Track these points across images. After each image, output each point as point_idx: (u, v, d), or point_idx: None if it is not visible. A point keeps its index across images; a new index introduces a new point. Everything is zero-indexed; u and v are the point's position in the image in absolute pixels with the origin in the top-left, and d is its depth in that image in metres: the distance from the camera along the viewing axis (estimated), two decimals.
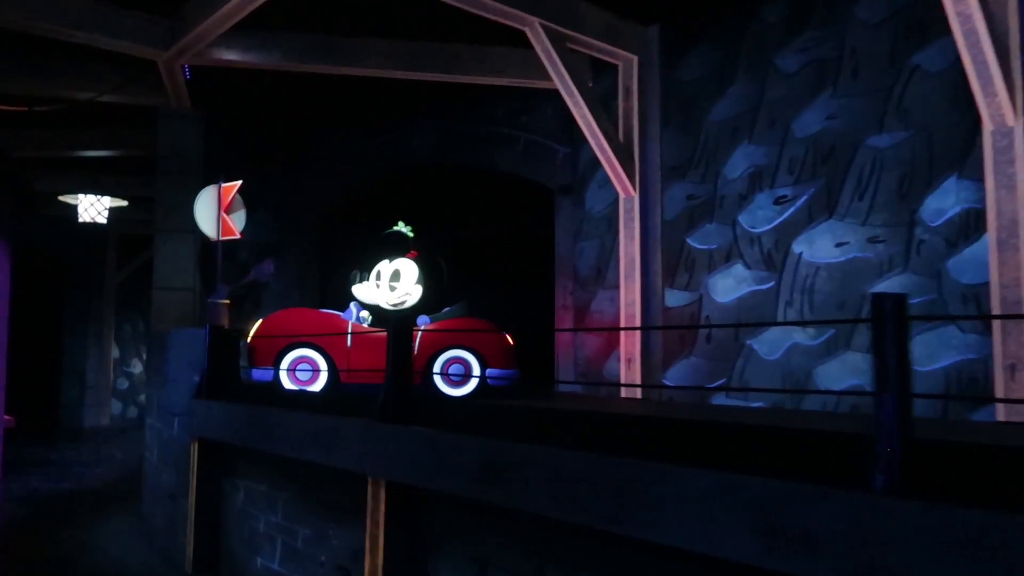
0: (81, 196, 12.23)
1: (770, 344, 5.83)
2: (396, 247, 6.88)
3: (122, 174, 11.98)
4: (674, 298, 6.66)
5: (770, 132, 5.99)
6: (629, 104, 6.92)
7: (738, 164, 6.20)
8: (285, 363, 6.28)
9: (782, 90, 5.93)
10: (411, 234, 7.14)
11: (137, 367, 19.41)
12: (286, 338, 6.23)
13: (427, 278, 6.59)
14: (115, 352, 18.21)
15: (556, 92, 8.42)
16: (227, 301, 7.80)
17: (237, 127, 9.28)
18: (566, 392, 7.71)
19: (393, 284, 6.59)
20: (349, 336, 6.38)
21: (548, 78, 7.64)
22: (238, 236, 7.69)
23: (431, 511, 3.87)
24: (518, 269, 9.06)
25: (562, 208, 8.47)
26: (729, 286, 6.19)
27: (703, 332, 6.36)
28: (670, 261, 6.72)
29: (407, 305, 6.65)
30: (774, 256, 5.92)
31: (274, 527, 5.01)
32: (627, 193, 6.89)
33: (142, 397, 19.77)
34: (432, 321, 6.55)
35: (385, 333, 6.57)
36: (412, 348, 6.30)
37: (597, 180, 7.59)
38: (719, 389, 6.08)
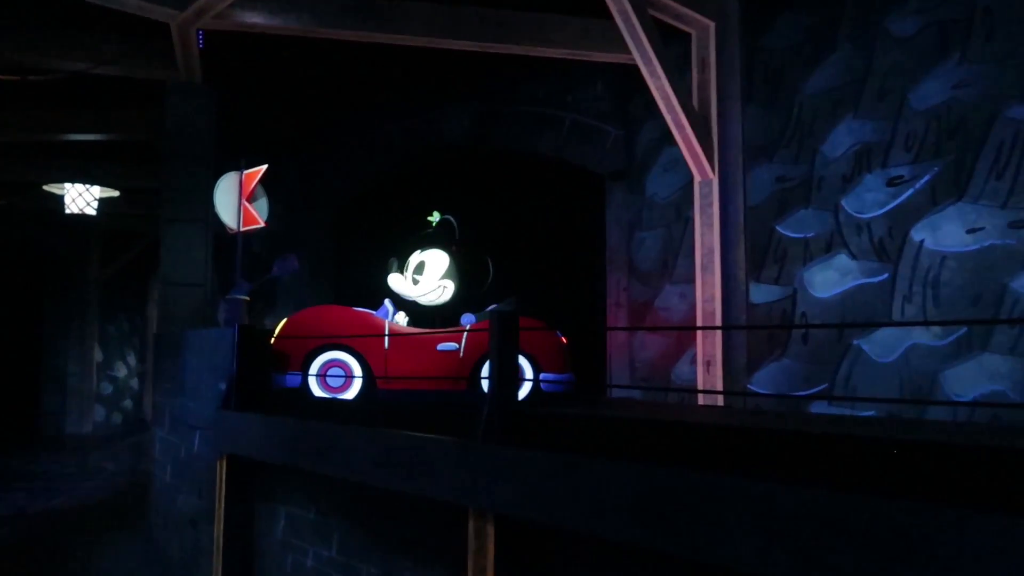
0: (68, 185, 11.37)
1: (883, 345, 5.21)
2: (436, 237, 6.22)
3: (115, 161, 11.14)
4: (761, 293, 6.01)
5: (881, 105, 5.37)
6: (705, 77, 6.26)
7: (840, 141, 5.57)
8: (314, 367, 5.61)
9: (895, 57, 5.31)
10: (451, 224, 6.50)
11: (122, 371, 18.50)
12: (315, 339, 5.55)
13: (465, 273, 5.93)
14: (98, 355, 17.30)
15: (607, 68, 7.77)
16: (248, 298, 7.09)
17: (250, 105, 8.52)
18: (622, 398, 7.06)
19: (416, 277, 5.94)
20: (387, 337, 5.70)
21: (607, 49, 6.98)
22: (262, 224, 6.96)
23: (560, 556, 3.19)
24: (562, 263, 8.38)
25: (614, 195, 7.81)
26: (831, 279, 5.56)
27: (798, 332, 5.73)
28: (755, 252, 6.08)
29: (439, 301, 5.99)
30: (887, 245, 5.29)
31: (327, 563, 4.29)
32: (704, 176, 6.22)
33: (127, 402, 18.85)
34: (478, 320, 5.90)
35: (427, 334, 5.99)
36: (459, 350, 5.71)
37: (661, 163, 6.93)
38: (831, 397, 5.44)
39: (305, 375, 5.62)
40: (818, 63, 5.72)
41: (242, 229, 7.09)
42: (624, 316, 7.53)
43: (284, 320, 6.02)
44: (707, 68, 6.23)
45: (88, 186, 11.46)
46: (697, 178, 6.27)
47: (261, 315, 8.75)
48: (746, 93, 6.16)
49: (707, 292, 6.15)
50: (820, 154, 5.68)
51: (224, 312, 7.07)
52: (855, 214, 5.45)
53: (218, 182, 7.03)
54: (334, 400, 5.56)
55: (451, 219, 6.24)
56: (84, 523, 7.99)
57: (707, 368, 6.11)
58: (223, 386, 5.29)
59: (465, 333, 5.84)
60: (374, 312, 6.19)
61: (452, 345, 5.83)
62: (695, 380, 6.44)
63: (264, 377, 5.53)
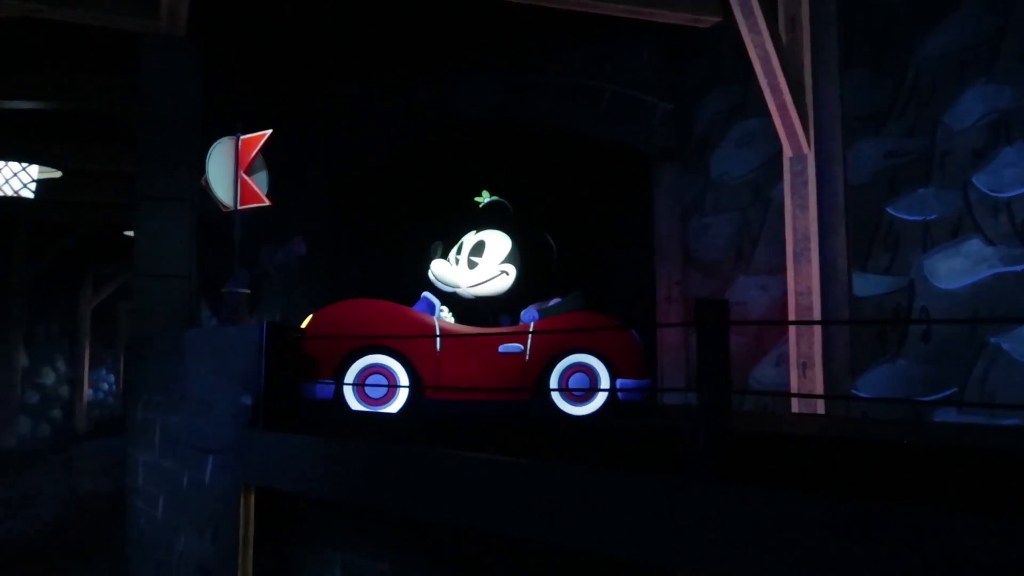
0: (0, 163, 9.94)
1: None
2: (492, 217, 5.36)
3: (61, 136, 9.76)
4: (867, 285, 5.34)
5: (1022, 67, 4.77)
6: (795, 37, 5.58)
7: (971, 110, 4.93)
8: (351, 375, 4.68)
9: None
10: (505, 206, 5.66)
11: (50, 377, 16.90)
12: (352, 340, 4.63)
13: (528, 257, 5.11)
14: (24, 360, 15.66)
15: (650, 34, 6.99)
16: (248, 291, 6.05)
17: (239, 66, 7.43)
18: (677, 404, 6.32)
19: (473, 259, 5.09)
20: (438, 338, 4.82)
21: (673, 6, 6.22)
22: (266, 203, 5.94)
23: None
24: (602, 254, 7.60)
25: (663, 177, 7.07)
26: (959, 268, 4.92)
27: (916, 329, 5.08)
28: (860, 237, 5.42)
29: (498, 290, 5.14)
30: None
31: None
32: (797, 151, 5.54)
33: (56, 412, 17.19)
34: (542, 316, 5.07)
35: (487, 333, 5.12)
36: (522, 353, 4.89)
37: (733, 138, 6.21)
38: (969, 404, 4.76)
39: (339, 384, 4.68)
40: (938, 20, 5.09)
41: (240, 207, 6.05)
42: (677, 312, 6.79)
43: (309, 317, 5.06)
44: (799, 27, 5.55)
45: (25, 165, 10.07)
46: (788, 153, 5.58)
47: (247, 314, 7.64)
48: (844, 56, 5.51)
49: (801, 284, 5.47)
50: (943, 125, 5.04)
51: (224, 308, 6.02)
52: (991, 193, 4.83)
53: (210, 150, 5.98)
54: (402, 416, 4.63)
55: (504, 201, 5.39)
56: (33, 565, 6.74)
57: (803, 371, 5.42)
58: (248, 399, 4.27)
59: (530, 333, 5.01)
60: (415, 308, 5.30)
61: (516, 347, 4.97)
62: (781, 383, 5.76)
63: (298, 388, 4.55)
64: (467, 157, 7.81)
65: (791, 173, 5.53)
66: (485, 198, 6.12)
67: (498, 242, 5.23)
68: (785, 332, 5.70)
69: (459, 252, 5.38)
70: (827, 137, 5.46)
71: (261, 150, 5.99)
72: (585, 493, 2.66)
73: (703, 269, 6.39)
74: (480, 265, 5.23)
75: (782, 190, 5.77)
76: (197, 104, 6.70)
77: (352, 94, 8.02)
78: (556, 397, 5.08)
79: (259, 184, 5.99)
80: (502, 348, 4.98)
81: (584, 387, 5.12)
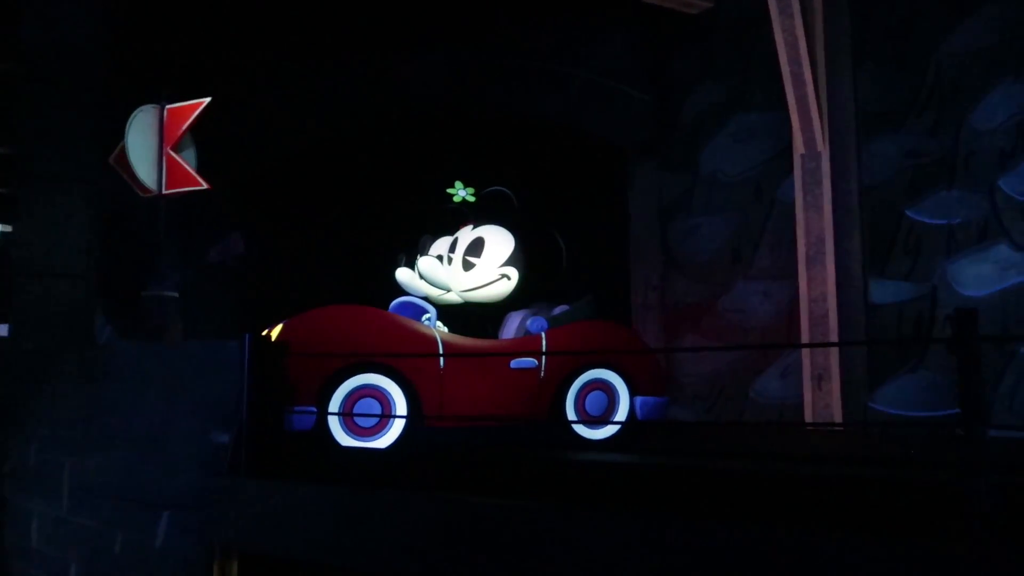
0: None
1: None
2: (492, 210, 4.73)
3: None
4: (886, 291, 5.12)
5: None
6: (808, 29, 5.29)
7: (996, 110, 4.81)
8: (336, 400, 3.90)
9: None
10: (472, 199, 5.07)
11: None
12: (339, 358, 3.88)
13: (534, 260, 4.56)
14: None
15: (628, 18, 6.54)
16: (177, 295, 5.05)
17: (162, 21, 6.26)
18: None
19: (470, 259, 4.47)
20: (441, 353, 4.14)
21: None
22: (203, 186, 4.99)
23: None
24: (569, 255, 7.06)
25: (640, 173, 6.64)
26: (986, 274, 4.78)
27: (940, 337, 4.91)
28: (877, 241, 5.19)
29: (496, 296, 4.56)
30: None
31: None
32: (811, 147, 5.25)
33: None
34: (551, 326, 4.51)
35: (498, 344, 4.46)
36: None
37: (729, 133, 5.86)
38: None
39: (323, 411, 3.86)
40: (962, 17, 4.96)
41: (165, 191, 5.05)
42: (654, 319, 6.38)
43: (278, 327, 4.19)
44: (812, 13, 5.27)
45: None
46: (800, 150, 5.29)
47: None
48: (859, 50, 5.30)
49: (816, 290, 5.19)
50: (967, 125, 4.91)
51: (146, 316, 4.97)
52: (1019, 196, 4.73)
53: (130, 120, 4.97)
54: (397, 450, 3.87)
55: (506, 191, 4.75)
56: None
57: (819, 384, 5.13)
58: (223, 437, 3.35)
59: (544, 346, 4.39)
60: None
61: (529, 362, 4.35)
62: (786, 397, 5.46)
63: (282, 420, 3.67)
64: (419, 144, 7.07)
65: (804, 171, 5.25)
66: (459, 190, 5.46)
67: (499, 240, 4.59)
68: (790, 341, 5.41)
69: (452, 249, 4.70)
70: (841, 134, 5.23)
71: (194, 124, 5.03)
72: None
73: (690, 273, 6.01)
74: (478, 266, 4.57)
75: (789, 189, 5.49)
76: (98, 63, 5.56)
77: (282, 72, 7.05)
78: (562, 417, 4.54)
79: (189, 163, 5.03)
80: (515, 363, 4.34)
81: (602, 407, 4.61)
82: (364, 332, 4.05)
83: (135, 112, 4.95)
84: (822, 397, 5.07)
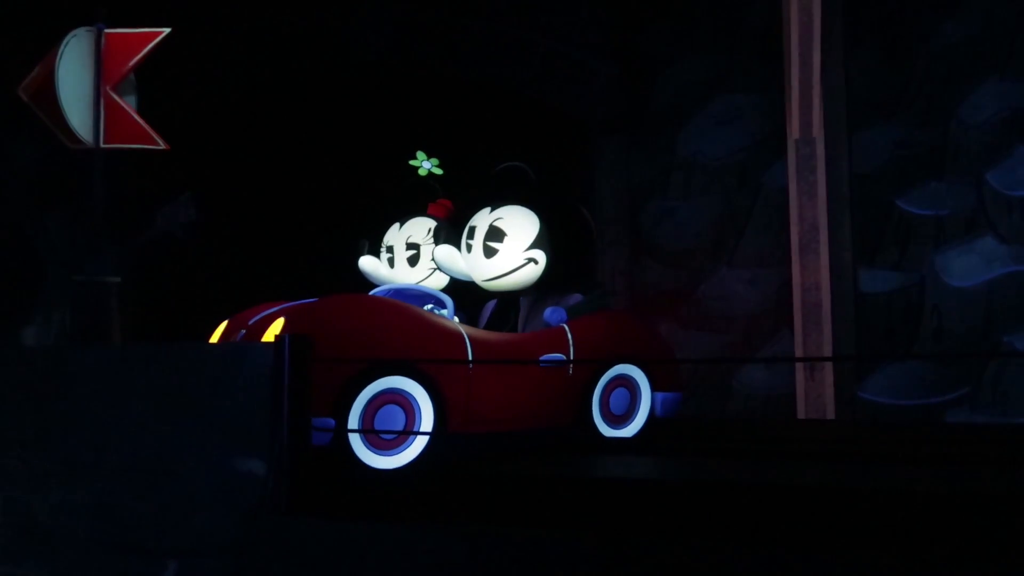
0: None
1: None
2: (510, 188, 4.49)
3: None
4: (875, 280, 5.35)
5: None
6: (803, 15, 5.37)
7: (984, 105, 5.15)
8: (356, 410, 3.53)
9: None
10: (439, 171, 4.85)
11: None
12: (362, 361, 3.54)
13: (562, 241, 4.40)
14: None
15: None
16: (118, 279, 4.40)
17: None
18: None
19: (492, 245, 4.27)
20: (469, 350, 3.87)
21: None
22: (160, 145, 4.36)
23: None
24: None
25: (607, 153, 6.56)
26: (972, 265, 5.11)
27: (928, 326, 5.19)
28: (867, 230, 5.39)
29: (522, 284, 4.37)
30: None
31: None
32: (806, 133, 5.37)
33: None
34: (571, 316, 4.36)
35: (524, 339, 4.22)
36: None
37: (713, 114, 5.91)
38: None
39: (343, 423, 3.47)
40: (950, 11, 5.23)
41: (104, 144, 4.33)
42: (620, 306, 6.35)
43: (279, 322, 3.73)
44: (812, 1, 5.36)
45: None
46: (795, 135, 5.41)
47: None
48: (852, 38, 5.45)
49: (808, 278, 5.35)
50: (957, 117, 5.21)
51: (80, 305, 4.30)
52: (1004, 191, 5.07)
53: (62, 47, 4.20)
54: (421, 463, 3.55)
55: (523, 166, 4.51)
56: None
57: (810, 373, 5.29)
58: (257, 465, 2.84)
59: (569, 339, 4.21)
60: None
61: (558, 357, 4.15)
62: (772, 387, 5.60)
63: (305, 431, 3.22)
64: (364, 106, 6.60)
65: (798, 157, 5.38)
66: (421, 160, 5.15)
67: (522, 222, 4.36)
68: (778, 332, 5.55)
69: (471, 236, 4.41)
70: (833, 122, 5.39)
71: (144, 60, 4.31)
72: None
73: (666, 259, 6.03)
74: (501, 252, 4.31)
75: (776, 175, 5.64)
76: None
77: (199, 9, 6.32)
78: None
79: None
80: (545, 359, 4.12)
81: (625, 405, 4.50)
82: (383, 328, 3.68)
83: (68, 37, 4.17)
84: (814, 387, 5.23)
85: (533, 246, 4.30)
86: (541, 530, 2.74)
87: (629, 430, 4.41)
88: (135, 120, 4.31)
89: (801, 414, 5.33)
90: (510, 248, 4.30)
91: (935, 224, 5.27)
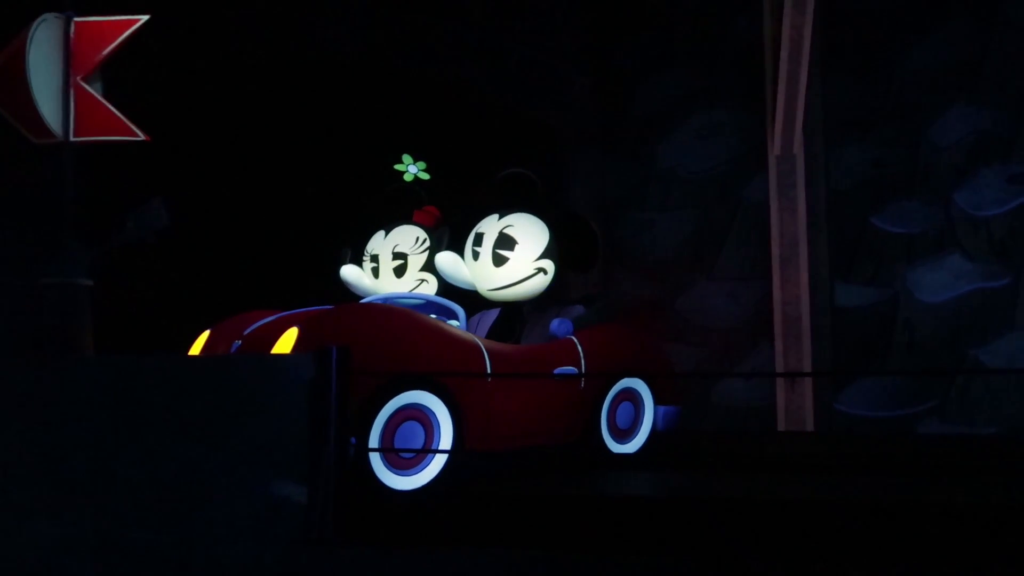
0: None
1: (1009, 355, 5.26)
2: (516, 196, 4.48)
3: None
4: (850, 295, 5.61)
5: (1000, 94, 5.42)
6: (794, 32, 5.55)
7: (952, 128, 5.50)
8: (377, 428, 3.44)
9: (1015, 44, 5.41)
10: (425, 176, 4.83)
11: None
12: (385, 375, 3.47)
13: (570, 252, 4.44)
14: None
15: None
16: (90, 282, 4.09)
17: None
18: None
19: (501, 252, 4.27)
20: (488, 362, 3.84)
21: None
22: (138, 136, 4.09)
23: None
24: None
25: (582, 162, 6.61)
26: (942, 281, 5.44)
27: (901, 340, 5.48)
28: (843, 246, 5.65)
29: (530, 294, 4.38)
30: (1009, 246, 5.37)
31: None
32: (786, 150, 5.58)
33: None
34: (578, 327, 4.40)
35: (536, 351, 4.19)
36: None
37: (693, 128, 6.09)
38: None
39: (364, 440, 3.35)
40: (919, 38, 5.57)
41: (74, 137, 4.04)
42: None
43: (291, 331, 3.56)
44: (800, 14, 5.56)
45: None
46: (775, 151, 5.64)
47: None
48: (827, 58, 5.71)
49: (789, 292, 5.59)
50: (928, 139, 5.54)
51: (48, 311, 3.97)
52: (971, 211, 5.43)
53: (32, 30, 3.90)
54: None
55: (529, 174, 4.50)
56: None
57: (793, 386, 5.49)
58: (297, 491, 2.65)
59: (580, 352, 4.21)
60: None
61: (571, 370, 4.15)
62: (751, 400, 5.78)
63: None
64: (339, 107, 6.42)
65: (778, 173, 5.59)
66: (408, 164, 5.07)
67: (532, 231, 4.35)
68: (757, 345, 5.74)
69: (478, 243, 4.34)
70: (811, 140, 5.63)
71: (119, 48, 4.05)
72: None
73: (642, 271, 6.14)
74: (511, 261, 4.27)
75: (756, 189, 5.85)
76: None
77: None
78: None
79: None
80: (558, 371, 4.11)
81: (630, 419, 4.52)
82: (405, 339, 3.58)
83: (39, 20, 3.86)
84: (795, 400, 5.44)
85: (543, 256, 4.30)
86: (593, 554, 2.74)
87: (633, 445, 4.46)
88: (109, 110, 4.04)
89: (781, 426, 5.54)
90: (521, 257, 4.28)
91: (907, 242, 5.61)
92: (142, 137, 4.16)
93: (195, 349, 4.16)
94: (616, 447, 4.45)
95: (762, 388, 5.69)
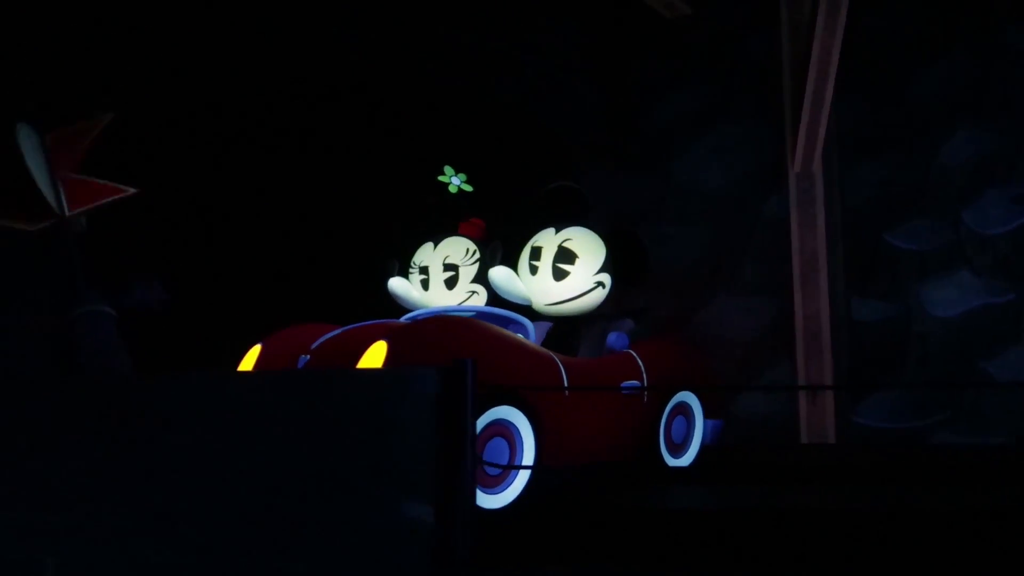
0: None
1: (1017, 368, 5.60)
2: (566, 210, 4.58)
3: None
4: (866, 309, 5.89)
5: (1003, 117, 5.81)
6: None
7: (960, 150, 5.86)
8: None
9: (1018, 71, 5.82)
10: (468, 188, 4.92)
11: None
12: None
13: (624, 266, 4.57)
14: None
15: (582, 12, 6.62)
16: (114, 312, 4.09)
17: None
18: None
19: (562, 267, 4.38)
20: (565, 377, 3.92)
21: None
22: (130, 191, 4.25)
23: None
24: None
25: (595, 176, 6.72)
26: (952, 297, 5.77)
27: (915, 353, 5.78)
28: (859, 261, 5.92)
29: (587, 309, 4.49)
30: (1013, 264, 5.73)
31: None
32: (806, 167, 5.83)
33: None
34: (632, 342, 4.54)
35: (601, 363, 4.25)
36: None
37: (710, 144, 6.36)
38: None
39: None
40: (931, 60, 5.93)
41: (69, 213, 4.21)
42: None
43: (379, 344, 3.52)
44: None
45: None
46: (796, 169, 5.89)
47: None
48: (841, 77, 6.00)
49: (810, 307, 5.84)
50: (938, 160, 5.88)
51: (90, 335, 3.85)
52: (977, 229, 5.79)
53: (18, 132, 4.09)
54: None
55: (579, 188, 4.60)
56: None
57: (813, 399, 5.71)
58: (424, 510, 2.59)
59: (641, 366, 4.31)
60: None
61: (635, 383, 4.24)
62: (772, 413, 5.97)
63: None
64: (355, 120, 6.36)
65: (799, 190, 5.84)
66: (450, 176, 5.10)
67: (591, 245, 4.45)
68: (777, 358, 5.95)
69: (535, 257, 4.40)
70: (829, 157, 5.90)
71: (91, 144, 4.27)
72: None
73: (657, 285, 6.24)
74: (572, 275, 4.34)
75: (775, 205, 6.11)
76: None
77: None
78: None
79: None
80: (625, 385, 4.18)
81: (683, 433, 4.63)
82: (489, 353, 3.60)
83: (20, 128, 4.00)
84: (816, 412, 5.66)
85: (601, 270, 4.39)
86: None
87: (687, 458, 4.58)
88: (94, 182, 4.42)
89: (804, 439, 5.76)
90: (581, 271, 4.37)
91: (919, 258, 5.95)
92: (131, 191, 4.36)
93: (246, 364, 4.06)
94: (671, 460, 4.56)
95: (782, 401, 5.91)
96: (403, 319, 4.56)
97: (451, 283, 4.81)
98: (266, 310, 4.76)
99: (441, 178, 5.06)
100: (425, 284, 4.82)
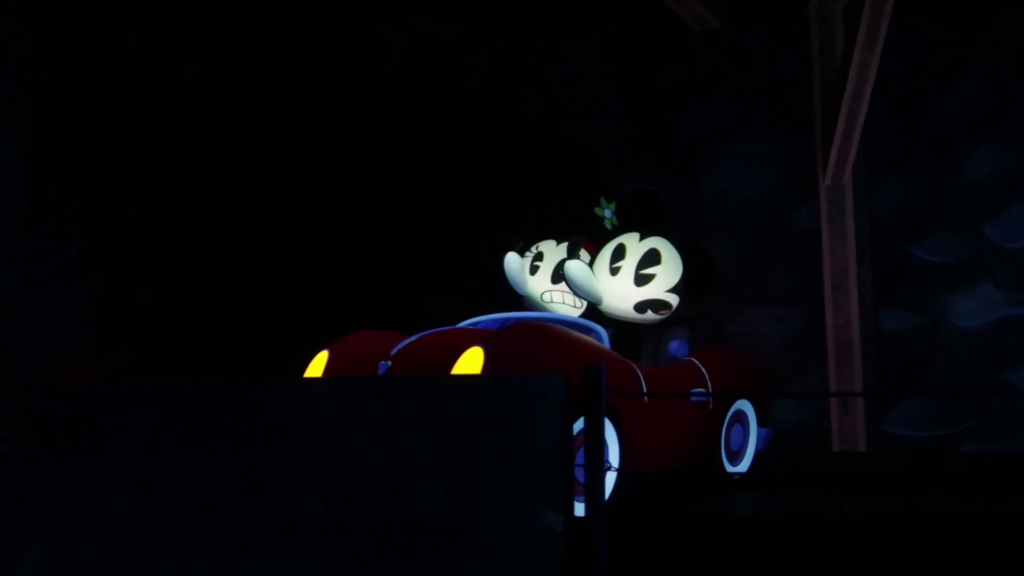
0: None
1: None
2: (648, 218, 4.69)
3: None
4: (893, 320, 6.12)
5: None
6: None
7: (982, 165, 6.15)
8: None
9: None
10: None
11: None
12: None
13: (696, 281, 4.70)
14: None
15: (610, 17, 6.75)
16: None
17: None
18: None
19: (645, 272, 4.48)
20: (644, 384, 4.05)
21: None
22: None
23: None
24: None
25: (623, 187, 6.84)
26: (975, 309, 6.04)
27: (941, 363, 6.02)
28: (885, 274, 6.15)
29: (655, 318, 4.62)
30: None
31: None
32: (837, 180, 6.05)
33: None
34: (692, 350, 4.69)
35: (667, 371, 4.37)
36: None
37: (740, 156, 6.56)
38: None
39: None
40: (954, 77, 6.20)
41: None
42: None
43: (474, 350, 3.57)
44: (833, 51, 6.07)
45: None
46: (827, 181, 6.11)
47: None
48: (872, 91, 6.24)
49: (841, 317, 6.08)
50: (960, 175, 6.15)
51: None
52: (1000, 243, 6.07)
53: None
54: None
55: (656, 191, 4.72)
56: None
57: (844, 408, 5.93)
58: (553, 518, 2.59)
59: (706, 375, 4.44)
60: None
61: (701, 391, 4.37)
62: (800, 422, 6.16)
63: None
64: (378, 122, 6.43)
65: (829, 202, 6.05)
66: (604, 208, 5.07)
67: (670, 256, 4.55)
68: (804, 368, 6.14)
69: (619, 258, 4.48)
70: (858, 171, 6.12)
71: None
72: None
73: None
74: (653, 283, 4.45)
75: (803, 217, 6.34)
76: None
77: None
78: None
79: None
80: (694, 393, 4.30)
81: (740, 441, 4.76)
82: (580, 361, 3.68)
83: None
84: (848, 421, 5.86)
85: (677, 283, 4.50)
86: None
87: (743, 465, 4.72)
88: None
89: (835, 447, 5.96)
90: (661, 280, 4.47)
91: (944, 271, 6.23)
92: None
93: (314, 370, 4.09)
94: (729, 467, 4.70)
95: (813, 410, 6.10)
96: (465, 324, 4.63)
97: (557, 278, 4.89)
98: (312, 318, 4.79)
99: (597, 210, 5.07)
100: (534, 271, 4.97)
